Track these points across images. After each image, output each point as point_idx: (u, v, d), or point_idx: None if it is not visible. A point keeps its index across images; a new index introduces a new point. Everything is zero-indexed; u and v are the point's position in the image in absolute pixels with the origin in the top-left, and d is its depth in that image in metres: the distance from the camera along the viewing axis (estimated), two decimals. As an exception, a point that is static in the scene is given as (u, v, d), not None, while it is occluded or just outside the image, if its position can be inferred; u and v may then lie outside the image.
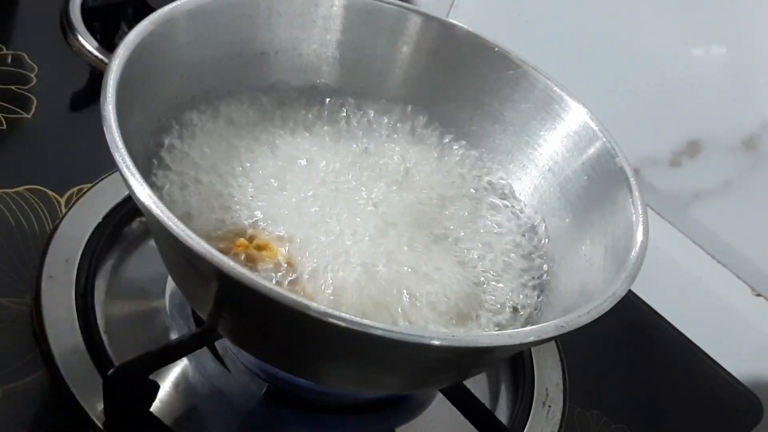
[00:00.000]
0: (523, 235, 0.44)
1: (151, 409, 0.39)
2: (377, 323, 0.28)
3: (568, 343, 0.52)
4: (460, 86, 0.47)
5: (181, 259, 0.33)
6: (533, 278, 0.42)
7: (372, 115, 0.47)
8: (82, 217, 0.46)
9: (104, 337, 0.41)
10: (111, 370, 0.37)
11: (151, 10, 0.38)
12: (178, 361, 0.42)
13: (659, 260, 0.57)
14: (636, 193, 0.38)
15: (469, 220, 0.44)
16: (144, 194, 0.29)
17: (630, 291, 0.33)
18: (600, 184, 0.41)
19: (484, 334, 0.32)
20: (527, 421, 0.47)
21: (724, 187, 0.59)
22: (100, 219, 0.46)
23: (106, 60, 0.59)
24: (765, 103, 0.56)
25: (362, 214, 0.40)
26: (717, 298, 0.62)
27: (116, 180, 0.48)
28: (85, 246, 0.45)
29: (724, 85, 0.58)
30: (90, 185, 0.49)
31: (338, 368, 0.35)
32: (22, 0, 0.64)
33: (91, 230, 0.46)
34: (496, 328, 0.39)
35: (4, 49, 0.58)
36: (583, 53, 0.64)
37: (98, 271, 0.45)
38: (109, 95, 0.32)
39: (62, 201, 0.48)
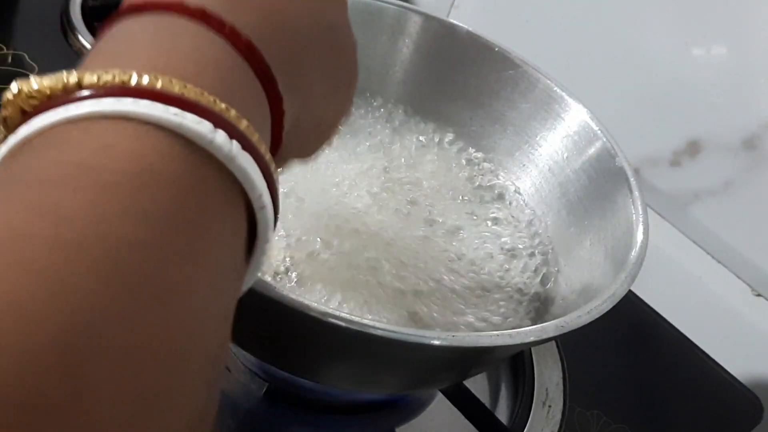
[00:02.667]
0: (524, 236, 0.44)
1: (151, 409, 0.39)
2: (377, 323, 0.28)
3: (568, 343, 0.52)
4: (460, 86, 0.47)
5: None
6: (533, 278, 0.42)
7: (372, 114, 0.47)
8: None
9: (104, 337, 0.41)
10: (111, 370, 0.37)
11: (151, 10, 0.38)
12: (178, 361, 0.42)
13: (659, 260, 0.57)
14: (636, 193, 0.38)
15: (469, 220, 0.44)
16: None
17: (630, 291, 0.33)
18: (600, 184, 0.41)
19: (484, 334, 0.32)
20: (527, 421, 0.47)
21: (724, 187, 0.59)
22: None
23: (106, 60, 0.59)
24: (765, 103, 0.56)
25: (361, 215, 0.40)
26: (717, 298, 0.62)
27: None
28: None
29: (724, 85, 0.58)
30: (90, 185, 0.49)
31: (338, 368, 0.35)
32: (22, 0, 0.63)
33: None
34: (497, 328, 0.39)
35: (4, 48, 0.58)
36: (584, 53, 0.64)
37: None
38: (109, 95, 0.32)
39: (62, 201, 0.48)
